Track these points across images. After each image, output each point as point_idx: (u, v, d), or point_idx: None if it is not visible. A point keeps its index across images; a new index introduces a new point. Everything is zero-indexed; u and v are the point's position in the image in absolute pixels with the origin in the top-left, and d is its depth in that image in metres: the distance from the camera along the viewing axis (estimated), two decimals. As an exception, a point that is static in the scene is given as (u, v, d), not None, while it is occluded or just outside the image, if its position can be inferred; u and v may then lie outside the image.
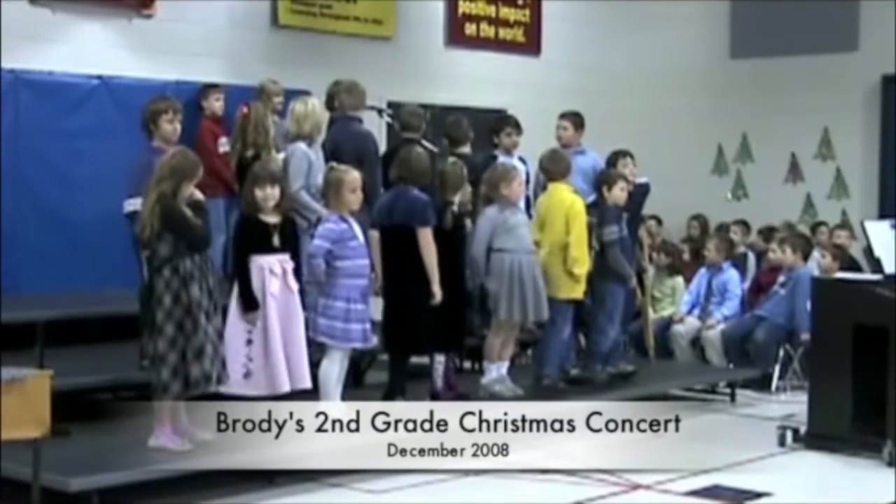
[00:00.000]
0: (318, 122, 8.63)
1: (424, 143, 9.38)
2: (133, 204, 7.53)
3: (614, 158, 9.88)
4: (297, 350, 7.25)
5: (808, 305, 10.23)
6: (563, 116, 10.33)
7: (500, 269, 8.56)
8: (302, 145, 8.50)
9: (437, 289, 7.96)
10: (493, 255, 8.60)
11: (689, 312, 11.28)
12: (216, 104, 10.32)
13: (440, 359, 8.40)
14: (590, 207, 9.24)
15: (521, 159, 10.15)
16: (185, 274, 6.75)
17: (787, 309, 10.72)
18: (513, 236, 8.62)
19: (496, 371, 8.73)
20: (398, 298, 8.06)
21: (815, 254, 12.24)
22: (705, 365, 11.03)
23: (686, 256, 12.11)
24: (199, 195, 7.01)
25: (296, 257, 7.36)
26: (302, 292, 7.47)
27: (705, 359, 11.09)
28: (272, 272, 7.18)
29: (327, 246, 7.53)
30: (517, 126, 10.31)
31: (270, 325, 7.14)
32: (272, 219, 7.26)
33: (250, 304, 7.14)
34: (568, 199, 9.02)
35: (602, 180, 9.43)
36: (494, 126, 10.36)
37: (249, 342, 7.16)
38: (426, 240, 7.97)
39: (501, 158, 9.82)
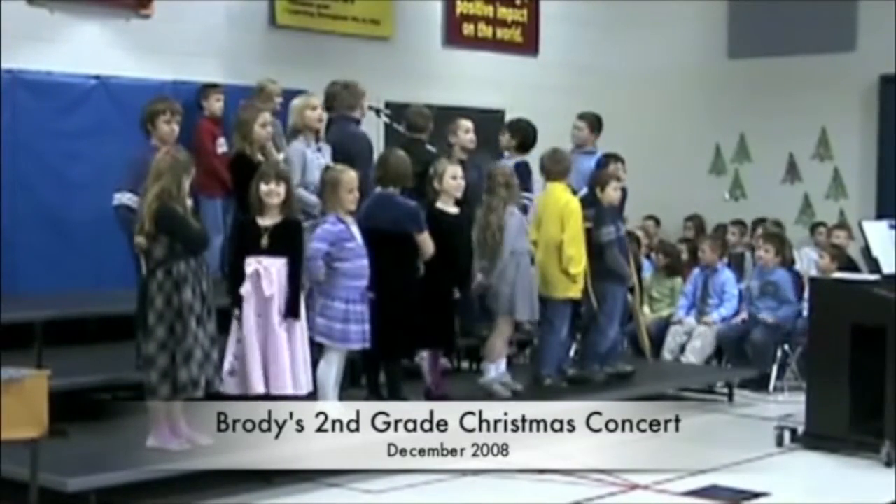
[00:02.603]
0: (318, 115, 8.60)
1: (429, 147, 9.34)
2: (121, 198, 7.59)
3: (605, 161, 9.86)
4: (272, 354, 7.11)
5: (797, 305, 10.33)
6: (581, 117, 10.30)
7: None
8: (299, 144, 8.48)
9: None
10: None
11: (687, 314, 11.28)
12: (216, 104, 10.30)
13: (423, 354, 8.41)
14: (582, 203, 9.17)
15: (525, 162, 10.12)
16: (178, 277, 6.72)
17: (781, 309, 10.74)
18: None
19: (495, 370, 8.73)
20: (386, 303, 7.85)
21: (812, 253, 12.27)
22: (702, 365, 11.01)
23: (685, 256, 12.10)
24: None
25: (296, 260, 7.26)
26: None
27: (682, 352, 11.01)
28: (245, 274, 7.16)
29: (325, 248, 7.51)
30: (511, 128, 10.23)
31: (244, 325, 7.12)
32: (267, 221, 7.22)
33: (231, 301, 7.21)
34: (563, 199, 9.01)
35: (595, 181, 9.41)
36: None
37: (239, 341, 7.16)
38: (427, 244, 7.98)
39: (503, 161, 9.80)
